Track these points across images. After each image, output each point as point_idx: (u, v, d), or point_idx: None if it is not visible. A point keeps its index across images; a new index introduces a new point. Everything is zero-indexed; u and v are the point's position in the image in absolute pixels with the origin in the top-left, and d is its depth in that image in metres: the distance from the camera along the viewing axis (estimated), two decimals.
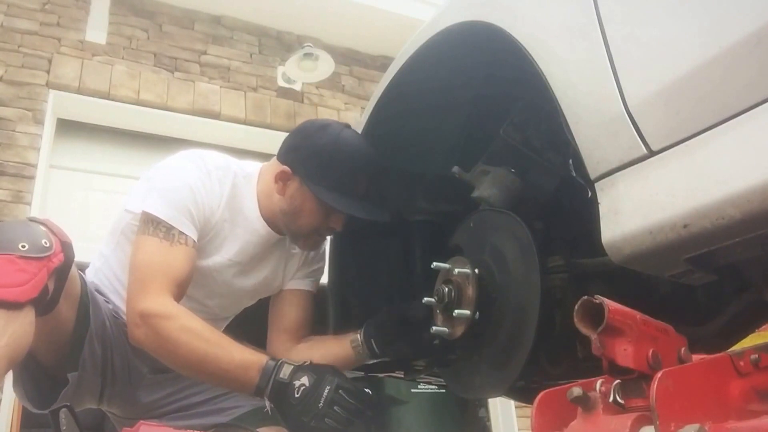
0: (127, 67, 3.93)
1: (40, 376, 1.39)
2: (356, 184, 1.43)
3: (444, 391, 3.29)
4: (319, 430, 1.25)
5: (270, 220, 1.50)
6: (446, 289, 1.28)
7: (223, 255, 1.49)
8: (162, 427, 1.21)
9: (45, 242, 1.19)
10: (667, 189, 0.81)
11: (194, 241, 1.40)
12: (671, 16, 0.85)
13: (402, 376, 1.71)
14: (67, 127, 3.85)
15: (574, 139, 0.95)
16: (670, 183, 0.81)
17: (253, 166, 1.56)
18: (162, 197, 1.39)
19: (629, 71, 0.88)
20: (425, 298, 1.33)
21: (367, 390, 1.30)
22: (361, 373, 1.69)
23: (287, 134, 1.55)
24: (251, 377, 1.29)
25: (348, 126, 1.49)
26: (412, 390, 4.33)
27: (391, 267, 1.62)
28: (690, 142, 0.79)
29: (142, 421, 1.15)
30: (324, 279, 1.66)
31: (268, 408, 1.32)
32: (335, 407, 1.24)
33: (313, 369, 1.29)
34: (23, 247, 1.16)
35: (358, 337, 1.45)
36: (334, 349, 1.49)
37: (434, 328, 1.29)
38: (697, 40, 0.80)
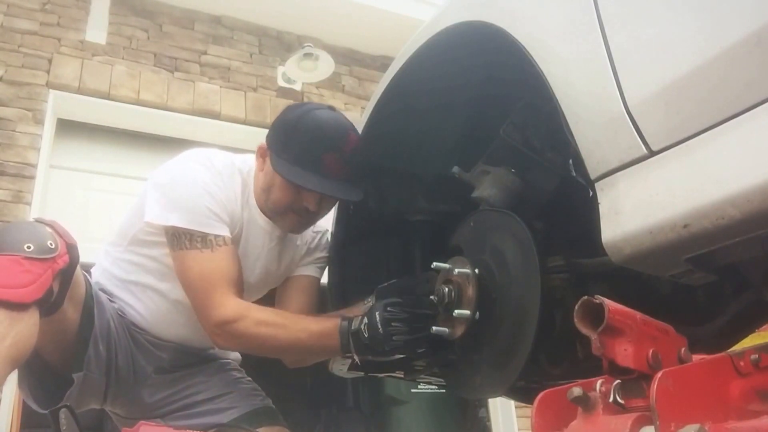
0: (127, 67, 3.93)
1: (46, 376, 1.40)
2: (320, 162, 1.40)
3: (444, 391, 3.29)
4: (405, 351, 1.31)
5: (264, 212, 1.52)
6: (446, 289, 1.28)
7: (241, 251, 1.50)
8: (162, 427, 1.21)
9: (51, 243, 1.19)
10: (667, 189, 0.81)
11: (229, 237, 1.42)
12: (671, 16, 0.85)
13: (402, 376, 1.71)
14: (67, 127, 3.85)
15: (574, 139, 0.95)
16: (670, 183, 0.81)
17: (252, 160, 1.56)
18: (184, 208, 1.39)
19: (629, 71, 0.88)
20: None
21: (416, 294, 1.35)
22: (361, 374, 1.69)
23: None
24: (335, 343, 1.35)
25: (331, 108, 1.49)
26: (412, 390, 4.34)
27: (391, 267, 1.62)
28: (690, 142, 0.79)
29: (142, 422, 1.15)
30: (324, 279, 1.66)
31: (356, 359, 1.38)
32: (392, 324, 1.27)
33: (370, 308, 1.33)
34: (29, 248, 1.16)
35: (368, 305, 1.43)
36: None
37: (434, 328, 1.29)
38: (697, 40, 0.80)
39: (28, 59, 3.67)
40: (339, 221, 1.61)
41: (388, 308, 1.29)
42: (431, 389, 4.23)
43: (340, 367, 1.67)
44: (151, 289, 1.51)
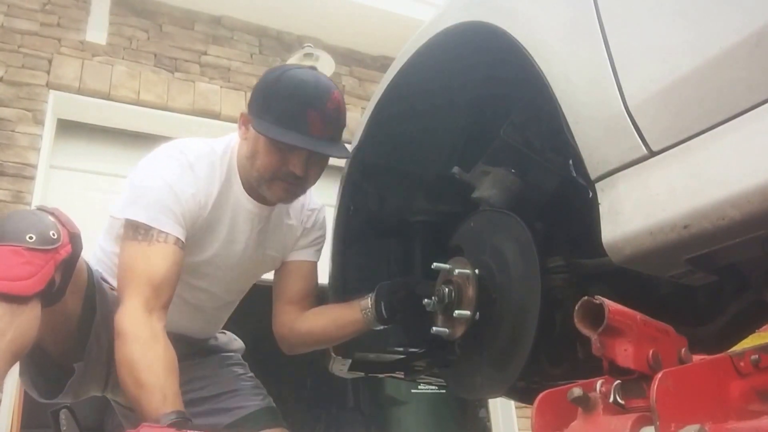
0: (127, 67, 3.93)
1: (47, 366, 1.39)
2: (304, 120, 1.33)
3: (444, 391, 3.29)
4: None
5: (253, 189, 1.47)
6: (446, 289, 1.28)
7: (221, 243, 1.47)
8: (163, 428, 1.21)
9: (53, 234, 1.17)
10: (667, 189, 0.81)
11: (177, 238, 1.35)
12: (671, 17, 0.85)
13: (402, 376, 1.71)
14: (68, 128, 3.85)
15: (574, 139, 0.95)
16: (670, 183, 0.81)
17: (236, 139, 1.51)
18: (141, 200, 1.36)
19: (629, 71, 0.88)
20: (425, 300, 1.33)
21: None
22: (361, 374, 1.70)
23: None
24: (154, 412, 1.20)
25: (312, 68, 1.44)
26: (413, 390, 4.34)
27: (391, 267, 1.62)
28: (690, 142, 0.79)
29: (143, 424, 1.15)
30: (324, 279, 1.66)
31: None
32: None
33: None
34: (31, 238, 1.14)
35: (369, 301, 1.43)
36: (343, 313, 1.49)
37: (435, 328, 1.29)
38: (697, 40, 0.80)
39: (29, 59, 3.67)
40: (339, 221, 1.61)
41: None
42: (431, 390, 4.24)
43: (341, 367, 1.67)
44: None
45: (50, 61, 3.72)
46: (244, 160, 1.44)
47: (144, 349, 1.26)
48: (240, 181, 1.47)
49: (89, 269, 1.41)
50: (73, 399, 1.50)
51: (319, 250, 1.65)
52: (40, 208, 1.26)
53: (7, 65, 3.59)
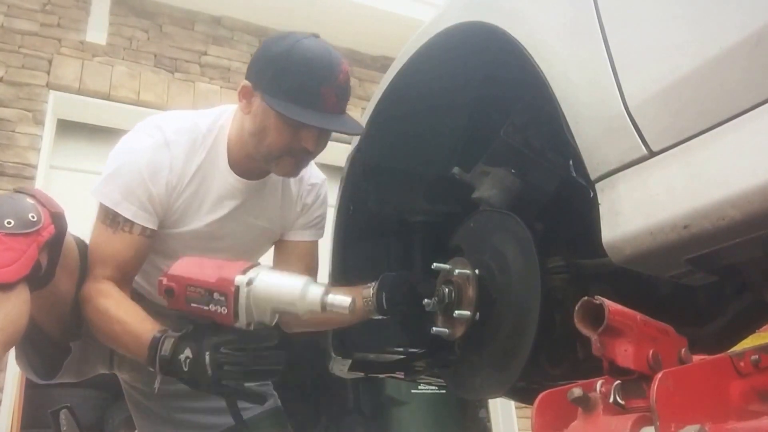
0: (127, 67, 3.93)
1: (44, 346, 1.38)
2: (318, 96, 1.30)
3: (444, 392, 3.29)
4: (230, 391, 1.20)
5: (242, 165, 1.43)
6: (446, 289, 1.28)
7: (201, 218, 1.44)
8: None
9: (32, 216, 1.16)
10: (667, 190, 0.81)
11: (142, 227, 1.36)
12: (671, 17, 0.85)
13: (402, 377, 1.71)
14: (68, 128, 3.85)
15: (574, 139, 0.95)
16: (670, 183, 0.81)
17: (228, 111, 1.48)
18: (110, 183, 1.36)
19: (629, 72, 0.88)
20: (425, 300, 1.33)
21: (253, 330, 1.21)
22: (361, 374, 1.69)
23: None
24: (142, 353, 1.22)
25: (315, 36, 1.38)
26: (413, 391, 4.34)
27: (391, 268, 1.62)
28: (690, 142, 0.79)
29: None
30: (324, 280, 1.66)
31: (156, 385, 1.24)
32: (225, 367, 1.15)
33: (194, 336, 1.19)
34: (9, 223, 1.13)
35: (370, 290, 1.41)
36: None
37: (435, 328, 1.29)
38: (697, 40, 0.80)
39: (29, 60, 3.67)
40: (339, 221, 1.61)
41: (222, 349, 1.16)
42: (431, 390, 4.23)
43: (341, 368, 1.67)
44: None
45: (50, 62, 3.73)
46: (246, 136, 1.39)
47: (111, 301, 1.31)
48: (227, 158, 1.43)
49: (83, 247, 1.39)
50: (76, 378, 1.50)
51: (321, 228, 1.62)
52: (18, 191, 1.25)
53: (7, 65, 3.59)
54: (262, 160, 1.40)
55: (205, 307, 1.18)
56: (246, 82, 1.37)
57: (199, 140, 1.42)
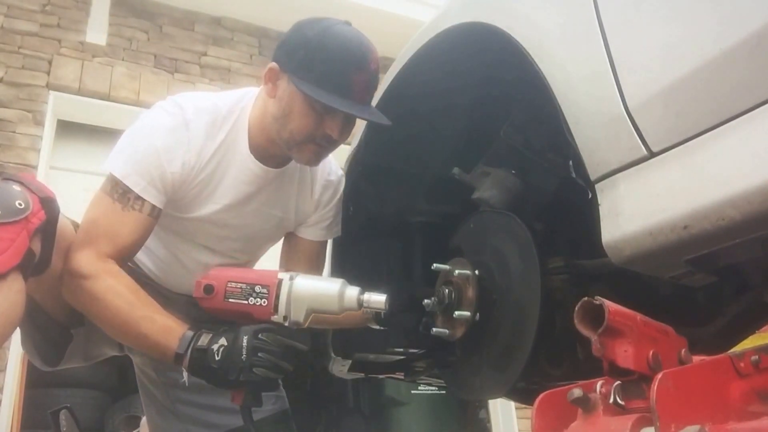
0: (127, 68, 3.93)
1: (51, 330, 1.36)
2: (349, 84, 1.28)
3: (444, 392, 3.29)
4: (254, 386, 1.19)
5: (263, 150, 1.40)
6: (446, 290, 1.28)
7: (217, 202, 1.41)
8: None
9: (19, 203, 1.12)
10: (667, 190, 0.81)
11: (153, 206, 1.31)
12: (671, 18, 0.85)
13: (402, 377, 1.71)
14: (67, 129, 3.85)
15: (574, 140, 0.95)
16: (670, 184, 0.81)
17: (250, 95, 1.45)
18: (126, 157, 1.31)
19: (629, 72, 0.88)
20: (425, 300, 1.33)
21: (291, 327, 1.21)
22: (361, 375, 1.69)
23: None
24: (171, 344, 1.20)
25: (347, 23, 1.36)
26: (413, 391, 4.33)
27: (391, 268, 1.62)
28: (690, 143, 0.80)
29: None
30: None
31: (185, 380, 1.23)
32: (259, 354, 1.15)
33: (231, 329, 1.19)
34: None
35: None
36: None
37: (435, 329, 1.29)
38: (696, 41, 0.80)
39: (29, 60, 3.68)
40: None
41: (260, 335, 1.16)
42: (431, 390, 4.23)
43: (341, 368, 1.67)
44: (152, 241, 1.44)
45: (50, 62, 3.73)
46: (269, 119, 1.36)
47: (124, 281, 1.25)
48: (247, 142, 1.40)
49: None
50: (84, 362, 1.48)
51: (332, 227, 1.58)
52: (5, 178, 1.21)
53: (7, 66, 3.60)
54: (284, 146, 1.37)
55: (244, 302, 1.19)
56: (273, 64, 1.34)
57: (219, 121, 1.39)
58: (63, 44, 3.83)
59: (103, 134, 3.92)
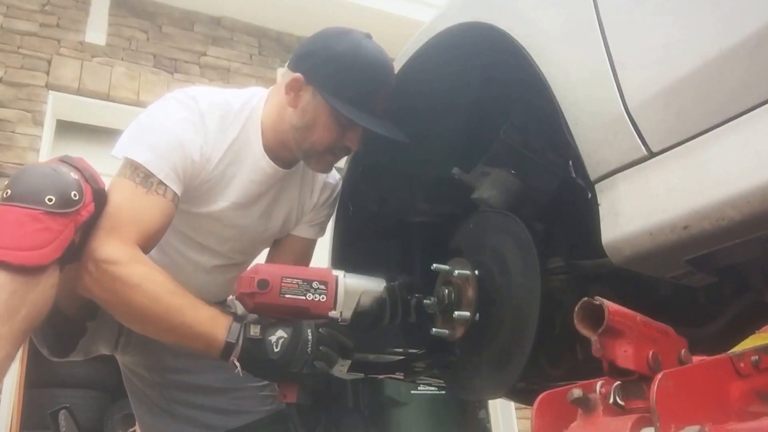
0: (126, 68, 3.93)
1: (61, 323, 1.34)
2: (375, 100, 1.33)
3: (444, 392, 3.28)
4: (311, 378, 1.19)
5: (275, 151, 1.40)
6: (446, 290, 1.28)
7: (227, 198, 1.40)
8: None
9: (74, 195, 1.11)
10: (667, 190, 0.81)
11: (174, 193, 1.27)
12: (671, 18, 0.85)
13: (402, 377, 1.71)
14: (67, 129, 3.85)
15: (574, 140, 0.95)
16: (670, 184, 0.81)
17: (259, 95, 1.44)
18: (146, 142, 1.28)
19: (629, 72, 0.88)
20: (425, 300, 1.33)
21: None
22: (361, 375, 1.69)
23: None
24: (219, 334, 1.15)
25: (369, 36, 1.38)
26: (412, 391, 4.33)
27: (391, 268, 1.62)
28: (690, 143, 0.80)
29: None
30: None
31: (239, 370, 1.18)
32: (321, 347, 1.15)
33: (283, 322, 1.18)
34: (50, 200, 1.08)
35: None
36: None
37: (434, 329, 1.29)
38: (696, 41, 0.80)
39: (28, 60, 3.68)
40: (338, 222, 1.61)
41: (320, 329, 1.16)
42: (431, 391, 4.23)
43: (340, 368, 1.67)
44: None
45: (49, 62, 3.73)
46: (287, 128, 1.37)
47: (160, 270, 1.21)
48: (261, 142, 1.40)
49: None
50: (83, 357, 1.48)
51: (323, 227, 1.60)
52: (63, 160, 1.19)
53: (7, 66, 3.60)
54: (302, 155, 1.40)
55: (302, 297, 1.19)
56: (298, 75, 1.34)
57: (230, 118, 1.38)
58: (62, 44, 3.82)
59: (103, 134, 3.91)
